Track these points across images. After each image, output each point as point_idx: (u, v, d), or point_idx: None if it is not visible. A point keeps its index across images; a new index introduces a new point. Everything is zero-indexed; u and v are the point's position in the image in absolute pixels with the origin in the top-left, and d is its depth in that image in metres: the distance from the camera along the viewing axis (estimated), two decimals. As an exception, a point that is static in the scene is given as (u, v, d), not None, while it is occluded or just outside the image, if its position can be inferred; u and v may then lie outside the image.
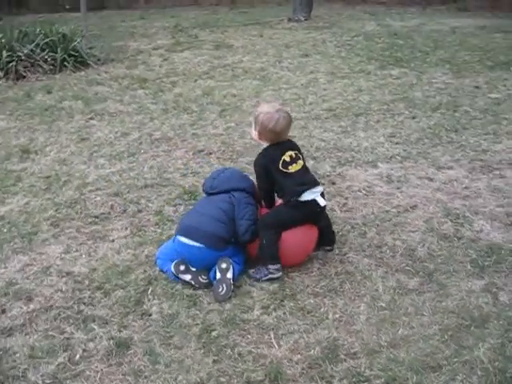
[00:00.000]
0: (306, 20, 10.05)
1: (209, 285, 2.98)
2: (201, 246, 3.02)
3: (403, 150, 4.73)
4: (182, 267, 3.00)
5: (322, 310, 2.81)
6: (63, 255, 3.37)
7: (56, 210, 3.89)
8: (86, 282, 3.08)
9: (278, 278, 3.02)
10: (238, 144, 4.98)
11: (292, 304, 2.86)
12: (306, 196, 3.04)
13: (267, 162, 3.14)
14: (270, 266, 3.00)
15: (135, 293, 2.98)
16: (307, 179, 3.12)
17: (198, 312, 2.82)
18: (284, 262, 3.05)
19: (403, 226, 3.58)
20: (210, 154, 4.81)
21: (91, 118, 5.61)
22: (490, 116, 5.42)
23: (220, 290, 2.90)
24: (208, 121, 5.53)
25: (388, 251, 3.31)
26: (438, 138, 4.96)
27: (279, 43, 8.64)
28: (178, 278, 2.99)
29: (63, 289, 3.04)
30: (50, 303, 2.92)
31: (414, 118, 5.48)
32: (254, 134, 3.15)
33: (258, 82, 6.76)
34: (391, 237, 3.46)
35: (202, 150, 4.86)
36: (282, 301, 2.88)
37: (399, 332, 2.64)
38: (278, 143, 3.14)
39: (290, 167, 3.08)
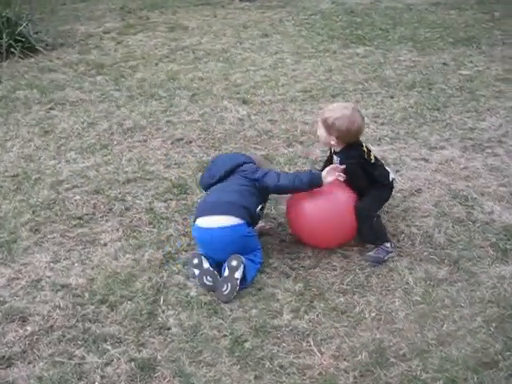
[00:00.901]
0: (258, -1, 9.71)
1: (211, 288, 2.72)
2: (220, 225, 2.75)
3: (391, 131, 4.58)
4: (196, 260, 2.76)
5: (357, 309, 2.60)
6: (52, 265, 3.00)
7: (33, 213, 3.48)
8: (87, 296, 2.73)
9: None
10: (218, 130, 4.67)
11: (323, 305, 2.64)
12: (391, 176, 3.16)
13: (359, 161, 3.00)
14: (387, 245, 2.94)
15: (145, 304, 2.67)
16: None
17: (221, 321, 2.55)
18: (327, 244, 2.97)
19: (413, 211, 3.42)
20: (190, 142, 4.49)
21: (51, 108, 5.13)
22: (466, 93, 5.34)
23: (224, 289, 2.67)
24: (180, 107, 5.17)
25: (406, 239, 3.14)
26: (421, 117, 4.84)
27: (235, 23, 8.30)
28: None
29: (61, 305, 2.68)
30: (50, 323, 2.57)
31: (392, 97, 5.33)
32: (329, 138, 2.93)
33: (223, 64, 6.43)
34: (404, 223, 3.29)
35: (181, 139, 4.53)
36: (312, 302, 2.65)
37: (443, 328, 2.48)
38: None
39: (372, 157, 3.05)
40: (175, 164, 4.09)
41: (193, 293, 2.73)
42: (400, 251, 3.04)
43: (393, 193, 3.61)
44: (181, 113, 5.04)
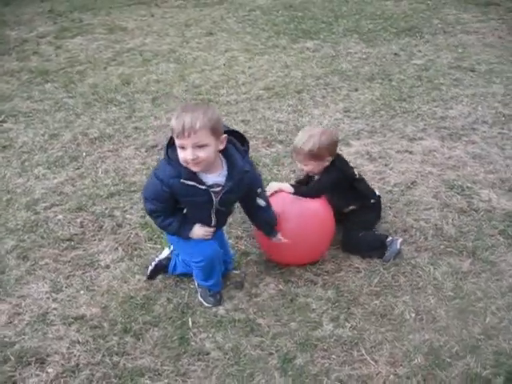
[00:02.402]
0: (192, -4, 9.48)
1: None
2: None
3: (366, 125, 4.57)
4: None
5: (396, 311, 2.53)
6: (54, 295, 2.71)
7: (16, 239, 3.15)
8: (106, 326, 2.49)
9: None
10: (192, 135, 4.45)
11: (360, 310, 2.55)
12: (377, 192, 3.14)
13: (340, 175, 2.91)
14: (389, 239, 2.96)
15: (174, 328, 2.46)
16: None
17: (262, 339, 2.40)
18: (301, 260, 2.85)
19: (416, 204, 3.41)
20: (166, 149, 4.24)
21: (3, 121, 4.71)
22: (426, 83, 5.44)
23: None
24: (144, 111, 4.91)
25: (418, 234, 3.12)
26: (391, 108, 4.87)
27: (176, 22, 8.05)
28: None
29: (80, 339, 2.42)
30: (73, 361, 2.32)
31: (356, 90, 5.34)
32: (323, 163, 2.85)
33: (175, 65, 6.20)
34: (411, 218, 3.27)
35: (155, 146, 4.29)
36: (349, 308, 2.56)
37: (486, 321, 2.46)
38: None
39: (356, 172, 3.02)
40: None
41: (221, 311, 2.55)
42: (416, 246, 3.01)
43: (389, 187, 3.61)
44: (147, 118, 4.79)
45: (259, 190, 2.45)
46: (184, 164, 2.16)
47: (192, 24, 7.97)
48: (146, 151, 4.21)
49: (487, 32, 7.01)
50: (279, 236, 2.58)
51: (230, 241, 3.11)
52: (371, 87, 5.37)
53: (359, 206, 3.04)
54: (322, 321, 2.47)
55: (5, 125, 4.66)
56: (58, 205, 3.51)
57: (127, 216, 3.37)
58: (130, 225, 3.28)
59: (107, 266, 2.91)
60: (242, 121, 4.69)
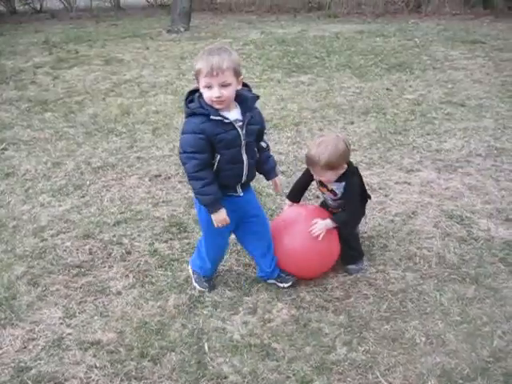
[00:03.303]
0: (186, 31, 9.72)
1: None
2: None
3: (364, 157, 4.70)
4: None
5: (407, 335, 2.60)
6: (68, 320, 2.73)
7: (26, 265, 3.18)
8: (123, 351, 2.51)
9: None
10: (194, 164, 4.54)
11: (372, 334, 2.61)
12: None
13: (359, 177, 3.05)
14: (364, 258, 3.12)
15: (190, 353, 2.49)
16: None
17: (278, 363, 2.44)
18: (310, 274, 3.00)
19: (417, 233, 3.50)
20: (169, 178, 4.34)
21: (4, 149, 4.76)
22: (419, 116, 5.62)
23: None
24: (145, 142, 5.00)
25: (422, 261, 3.21)
26: (387, 141, 5.01)
27: (171, 55, 8.24)
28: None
29: (97, 364, 2.44)
30: (92, 386, 2.32)
31: (352, 123, 5.49)
32: (338, 171, 2.89)
33: (173, 97, 6.33)
34: (414, 246, 3.36)
35: (158, 175, 4.37)
36: (361, 333, 2.61)
37: (494, 344, 2.53)
38: None
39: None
40: (163, 202, 3.92)
41: (236, 336, 2.59)
42: (421, 274, 3.09)
43: (391, 217, 3.71)
44: (149, 148, 4.87)
45: (265, 131, 2.78)
46: (209, 102, 2.41)
47: (187, 57, 8.16)
48: (149, 180, 4.28)
49: (475, 69, 7.28)
50: (278, 180, 2.89)
51: (239, 268, 3.17)
52: (366, 120, 5.53)
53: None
54: (336, 345, 2.52)
55: (6, 152, 4.71)
56: (65, 232, 3.55)
57: (135, 243, 3.41)
58: (138, 252, 3.32)
59: (119, 293, 2.93)
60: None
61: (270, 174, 2.86)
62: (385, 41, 8.85)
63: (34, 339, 2.60)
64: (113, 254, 3.31)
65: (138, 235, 3.50)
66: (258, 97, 2.59)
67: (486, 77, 6.97)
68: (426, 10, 11.00)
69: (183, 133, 2.51)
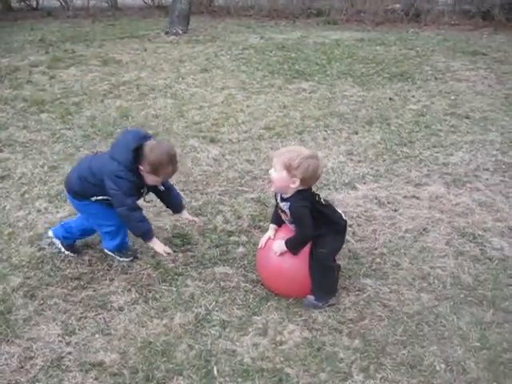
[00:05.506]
0: (184, 33, 9.57)
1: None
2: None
3: (370, 169, 4.59)
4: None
5: (425, 362, 2.48)
6: (68, 338, 2.58)
7: (22, 276, 3.02)
8: (126, 374, 2.37)
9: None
10: (196, 172, 4.42)
11: (389, 360, 2.48)
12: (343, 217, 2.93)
13: (309, 202, 2.78)
14: (333, 298, 2.87)
15: (199, 378, 2.36)
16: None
17: (292, 390, 2.30)
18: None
19: (429, 251, 3.39)
20: (171, 185, 4.16)
21: (0, 150, 4.58)
22: (424, 128, 5.52)
23: None
24: (146, 147, 4.82)
25: (436, 282, 3.09)
26: (393, 153, 4.91)
27: (170, 58, 8.09)
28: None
29: (99, 387, 2.28)
30: (94, 412, 2.17)
31: (356, 133, 5.38)
32: (290, 181, 2.69)
33: (173, 101, 6.19)
34: (427, 265, 3.25)
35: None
36: (378, 358, 2.48)
37: (517, 374, 2.41)
38: None
39: (321, 200, 2.87)
40: (165, 211, 3.77)
41: (246, 359, 2.45)
42: (436, 295, 2.98)
43: (401, 233, 3.59)
44: (149, 153, 4.70)
45: None
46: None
47: (186, 60, 8.02)
48: (151, 187, 4.11)
49: (477, 80, 7.21)
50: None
51: (246, 285, 3.03)
52: (371, 131, 5.42)
53: (327, 232, 2.85)
54: (352, 371, 2.40)
55: (1, 154, 4.54)
56: (63, 241, 3.38)
57: (137, 255, 3.26)
58: (140, 265, 3.18)
59: (121, 308, 2.79)
60: (247, 160, 4.66)
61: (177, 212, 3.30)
62: (385, 49, 8.76)
63: (31, 358, 2.45)
64: (114, 266, 3.16)
65: (140, 246, 3.35)
66: None
67: (488, 89, 6.89)
68: (425, 19, 10.94)
69: (113, 174, 2.87)
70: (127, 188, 2.81)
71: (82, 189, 2.94)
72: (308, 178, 2.71)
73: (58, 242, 3.22)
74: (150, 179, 2.88)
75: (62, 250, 3.23)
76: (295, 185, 2.71)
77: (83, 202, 3.02)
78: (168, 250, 3.00)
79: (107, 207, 2.97)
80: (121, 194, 2.78)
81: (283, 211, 2.82)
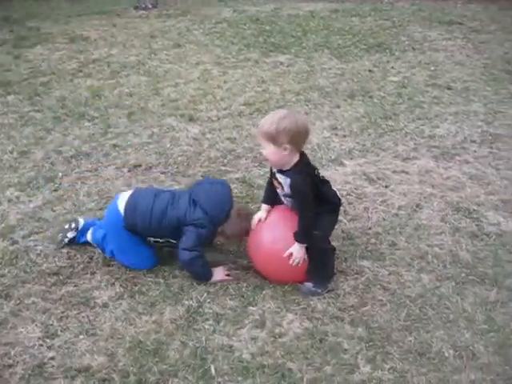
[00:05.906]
0: (154, 7, 9.20)
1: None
2: None
3: (356, 143, 4.43)
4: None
5: (434, 348, 2.35)
6: (49, 341, 2.38)
7: (-5, 274, 2.78)
8: (117, 378, 2.19)
9: None
10: (176, 153, 4.21)
11: (396, 348, 2.36)
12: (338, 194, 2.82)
13: (309, 177, 2.61)
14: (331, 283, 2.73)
15: (195, 378, 2.19)
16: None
17: (296, 386, 2.15)
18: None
19: (425, 229, 3.27)
20: (150, 168, 3.98)
21: (-37, 136, 4.28)
22: (407, 100, 5.38)
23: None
24: (120, 127, 4.60)
25: (435, 261, 2.98)
26: (378, 126, 4.76)
27: (140, 33, 7.75)
28: None
29: (88, 395, 2.10)
30: (84, 422, 1.98)
31: (338, 107, 5.21)
32: (281, 149, 2.51)
33: (147, 78, 5.91)
34: (424, 244, 3.13)
35: (138, 165, 4.00)
36: (384, 347, 2.35)
37: (528, 356, 2.30)
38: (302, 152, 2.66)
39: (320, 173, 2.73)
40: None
41: (245, 355, 2.29)
42: (437, 275, 2.86)
43: (394, 210, 3.46)
44: (125, 135, 4.48)
45: None
46: None
47: (157, 35, 7.70)
48: (128, 171, 3.92)
49: (455, 50, 7.08)
50: None
51: (237, 272, 2.86)
52: (353, 104, 5.26)
53: (321, 212, 2.68)
54: (358, 363, 2.26)
55: (-34, 140, 4.24)
56: (37, 232, 3.17)
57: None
58: (123, 255, 2.96)
59: (105, 305, 2.59)
60: (228, 138, 4.46)
61: None
62: (361, 20, 8.55)
63: (10, 366, 2.25)
64: (94, 258, 2.96)
65: (122, 235, 3.12)
66: None
67: (467, 59, 6.77)
68: (398, -12, 10.71)
69: (195, 226, 2.79)
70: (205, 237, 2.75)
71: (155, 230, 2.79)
72: (294, 136, 2.50)
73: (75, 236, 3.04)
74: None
75: (66, 240, 3.03)
76: (287, 151, 2.53)
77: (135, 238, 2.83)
78: (229, 278, 2.80)
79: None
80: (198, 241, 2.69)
81: (279, 183, 2.63)
